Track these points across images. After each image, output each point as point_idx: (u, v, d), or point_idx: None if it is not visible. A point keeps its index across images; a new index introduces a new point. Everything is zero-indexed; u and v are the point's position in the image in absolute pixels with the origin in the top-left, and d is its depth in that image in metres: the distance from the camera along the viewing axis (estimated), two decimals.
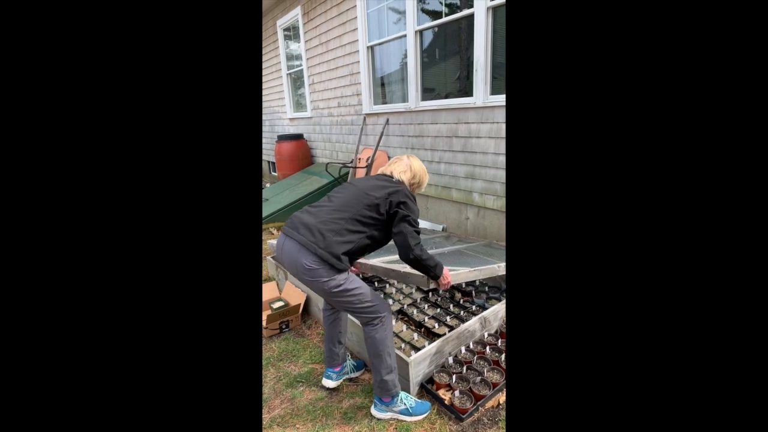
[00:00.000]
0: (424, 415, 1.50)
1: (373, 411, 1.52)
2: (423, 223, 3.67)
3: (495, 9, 2.65)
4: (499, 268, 1.95)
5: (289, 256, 1.40)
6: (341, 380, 1.72)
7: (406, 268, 1.65)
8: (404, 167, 1.61)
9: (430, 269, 1.46)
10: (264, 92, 6.94)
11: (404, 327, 2.00)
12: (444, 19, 3.08)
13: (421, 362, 1.62)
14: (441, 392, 1.58)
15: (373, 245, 1.50)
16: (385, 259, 2.00)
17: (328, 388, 1.70)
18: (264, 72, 6.77)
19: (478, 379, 1.61)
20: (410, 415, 1.48)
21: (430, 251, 2.35)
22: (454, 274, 1.67)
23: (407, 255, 1.41)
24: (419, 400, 1.53)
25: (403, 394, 1.50)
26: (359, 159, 4.26)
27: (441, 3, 3.11)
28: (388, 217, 1.45)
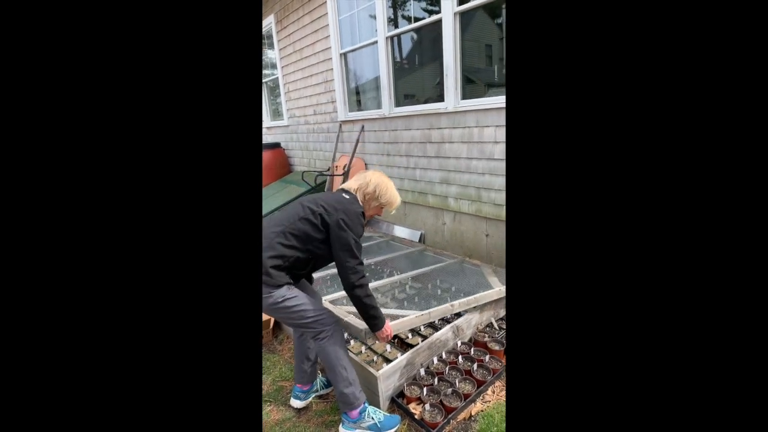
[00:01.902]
0: (394, 429, 1.46)
1: (341, 430, 1.47)
2: (402, 230, 3.64)
3: (462, 14, 2.65)
4: (453, 306, 1.84)
5: None
6: (310, 398, 1.67)
7: (349, 317, 1.63)
8: (361, 179, 1.54)
9: (370, 318, 1.43)
10: None
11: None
12: (413, 25, 3.07)
13: (390, 376, 1.58)
14: (412, 406, 1.55)
15: (318, 260, 1.46)
16: (333, 297, 1.93)
17: (296, 408, 1.64)
18: None
19: (450, 390, 1.58)
20: (379, 430, 1.44)
21: (393, 278, 2.26)
22: (398, 323, 1.61)
23: (349, 291, 1.39)
24: (388, 414, 1.49)
25: (371, 409, 1.46)
26: (336, 166, 4.22)
27: (411, 9, 3.11)
28: (330, 234, 1.39)
